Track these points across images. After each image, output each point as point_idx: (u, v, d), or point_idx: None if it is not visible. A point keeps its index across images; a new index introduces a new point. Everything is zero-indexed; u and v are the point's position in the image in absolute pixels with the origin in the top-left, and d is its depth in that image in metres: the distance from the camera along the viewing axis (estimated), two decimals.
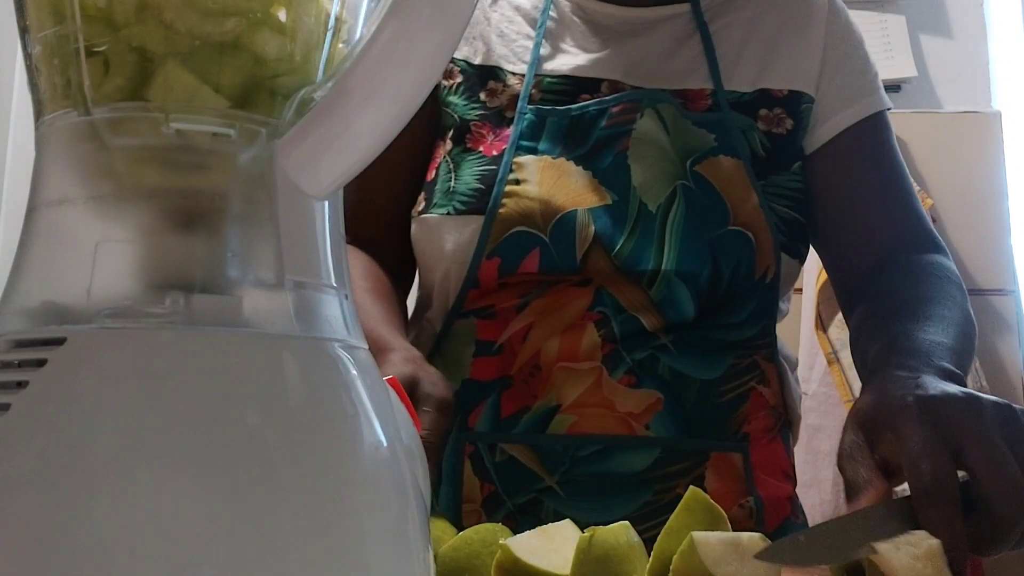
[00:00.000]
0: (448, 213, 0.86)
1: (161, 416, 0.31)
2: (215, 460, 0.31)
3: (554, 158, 0.87)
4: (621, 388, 0.83)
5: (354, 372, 0.36)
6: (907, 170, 0.94)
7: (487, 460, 0.84)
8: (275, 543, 0.31)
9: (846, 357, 1.94)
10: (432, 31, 0.36)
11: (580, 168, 0.86)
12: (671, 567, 0.56)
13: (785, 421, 0.93)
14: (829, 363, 1.96)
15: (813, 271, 1.99)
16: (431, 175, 0.91)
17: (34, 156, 0.37)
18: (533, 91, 0.91)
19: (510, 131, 0.89)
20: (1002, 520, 0.54)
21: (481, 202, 0.85)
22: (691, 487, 0.62)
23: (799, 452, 1.98)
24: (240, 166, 0.35)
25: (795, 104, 0.91)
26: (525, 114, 0.89)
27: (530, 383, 0.85)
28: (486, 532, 0.61)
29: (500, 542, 0.58)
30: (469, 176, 0.88)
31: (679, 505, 0.62)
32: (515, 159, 0.87)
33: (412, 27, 0.35)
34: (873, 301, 0.84)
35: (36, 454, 0.30)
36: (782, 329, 0.96)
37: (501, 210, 0.84)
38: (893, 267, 0.87)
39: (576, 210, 0.84)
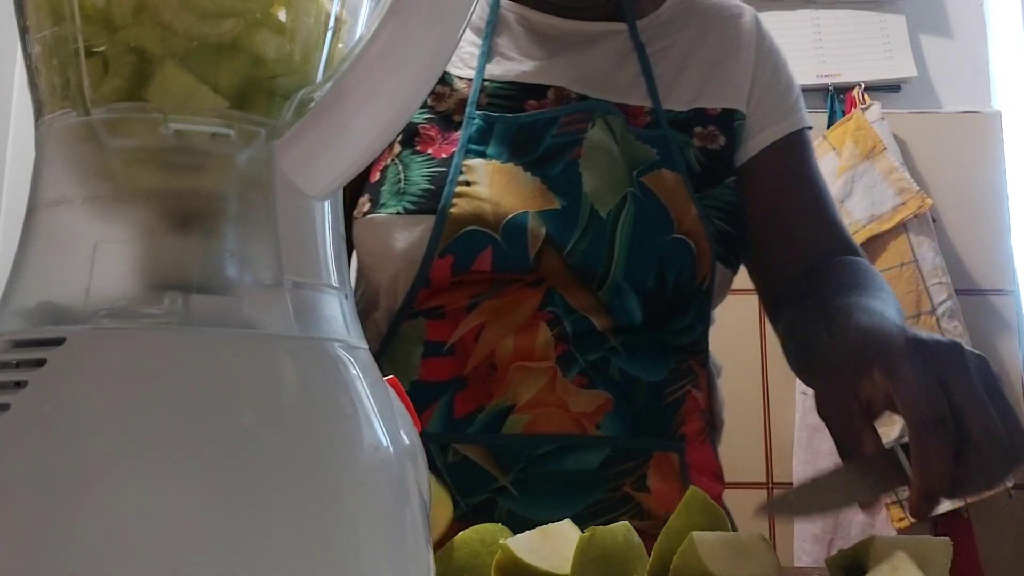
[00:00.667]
0: (398, 213, 0.87)
1: (160, 416, 0.31)
2: (213, 460, 0.31)
3: (503, 163, 0.89)
4: (574, 388, 0.85)
5: (354, 372, 0.36)
6: (825, 183, 1.01)
7: (439, 461, 0.85)
8: (273, 543, 0.31)
9: None
10: (430, 32, 0.36)
11: (528, 174, 0.88)
12: (671, 567, 0.56)
13: (712, 424, 0.97)
14: None
15: None
16: (375, 177, 0.92)
17: (34, 156, 0.37)
18: (480, 96, 0.93)
19: (458, 135, 0.90)
20: (983, 458, 0.57)
21: (432, 202, 0.87)
22: (691, 487, 0.62)
23: (799, 452, 1.98)
24: (238, 166, 0.35)
25: (728, 121, 0.96)
26: (474, 119, 0.91)
27: (486, 382, 0.86)
28: (486, 532, 0.61)
29: (500, 542, 0.58)
30: (418, 177, 0.89)
31: (679, 505, 0.62)
32: (465, 162, 0.88)
33: (410, 28, 0.35)
34: (803, 299, 0.88)
35: (35, 454, 0.30)
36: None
37: (452, 209, 0.86)
38: (819, 270, 0.92)
39: (527, 212, 0.86)
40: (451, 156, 0.89)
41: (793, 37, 2.17)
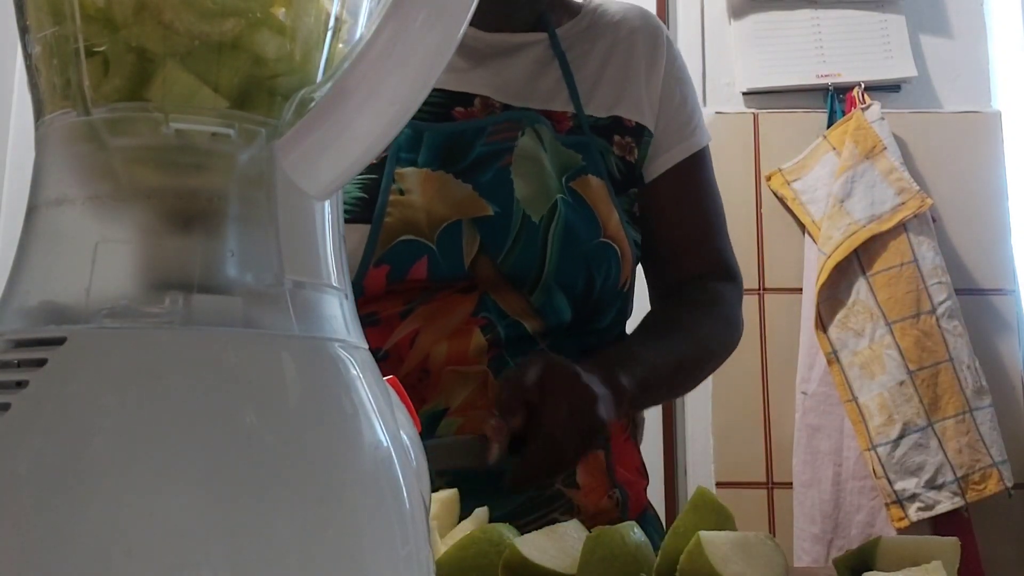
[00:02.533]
0: None
1: (160, 416, 0.31)
2: (214, 460, 0.31)
3: (434, 170, 0.91)
4: None
5: (354, 372, 0.36)
6: (720, 198, 1.08)
7: None
8: (274, 544, 0.30)
9: (846, 357, 1.94)
10: (430, 32, 0.36)
11: (460, 181, 0.91)
12: (678, 566, 0.56)
13: (633, 423, 1.02)
14: (829, 363, 1.95)
15: (813, 271, 1.99)
16: None
17: (34, 156, 0.37)
18: None
19: None
20: (531, 464, 0.79)
21: (365, 211, 0.88)
22: (698, 487, 0.63)
23: (798, 452, 1.98)
24: (239, 166, 0.35)
25: (639, 136, 1.01)
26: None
27: (419, 387, 0.88)
28: (493, 532, 0.61)
29: (508, 541, 0.58)
30: (350, 185, 0.90)
31: (687, 505, 0.62)
32: (397, 170, 0.90)
33: (410, 28, 0.35)
34: (650, 315, 1.01)
35: (36, 454, 0.30)
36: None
37: (387, 219, 0.88)
38: (683, 291, 1.03)
39: (461, 220, 0.88)
40: (381, 163, 0.90)
41: (793, 37, 2.16)
